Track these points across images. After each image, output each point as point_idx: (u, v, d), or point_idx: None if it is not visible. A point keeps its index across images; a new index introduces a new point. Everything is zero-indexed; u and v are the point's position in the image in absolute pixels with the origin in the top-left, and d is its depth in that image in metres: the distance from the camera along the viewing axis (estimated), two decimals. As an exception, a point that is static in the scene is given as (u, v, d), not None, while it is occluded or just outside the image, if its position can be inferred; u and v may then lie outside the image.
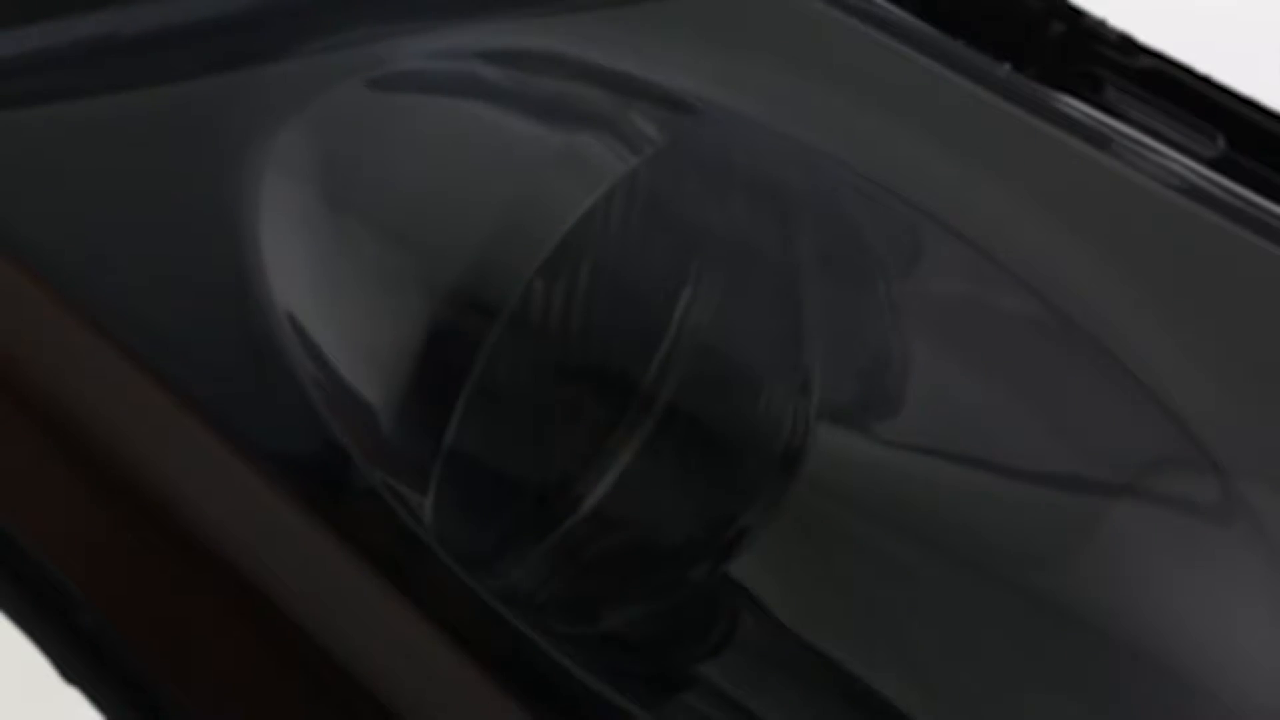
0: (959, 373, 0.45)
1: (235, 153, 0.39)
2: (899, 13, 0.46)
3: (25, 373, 0.34)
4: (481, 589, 0.39)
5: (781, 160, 0.46)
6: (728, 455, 0.48)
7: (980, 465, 0.44)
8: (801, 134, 0.45)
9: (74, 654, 0.34)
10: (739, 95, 0.45)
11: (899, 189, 0.43)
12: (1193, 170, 0.41)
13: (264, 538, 0.35)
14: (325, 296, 0.40)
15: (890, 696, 0.42)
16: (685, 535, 0.47)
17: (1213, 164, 0.41)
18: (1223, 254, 0.41)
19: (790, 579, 0.46)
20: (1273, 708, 0.38)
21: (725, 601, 0.45)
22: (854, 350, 0.47)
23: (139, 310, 0.36)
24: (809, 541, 0.46)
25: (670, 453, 0.47)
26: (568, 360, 0.46)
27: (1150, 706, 0.40)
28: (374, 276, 0.41)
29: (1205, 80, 0.42)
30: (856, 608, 0.45)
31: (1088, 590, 0.41)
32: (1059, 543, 0.42)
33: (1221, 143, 0.41)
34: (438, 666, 0.35)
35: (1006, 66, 0.44)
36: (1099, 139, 0.43)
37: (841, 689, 0.43)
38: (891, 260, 0.45)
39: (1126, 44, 0.43)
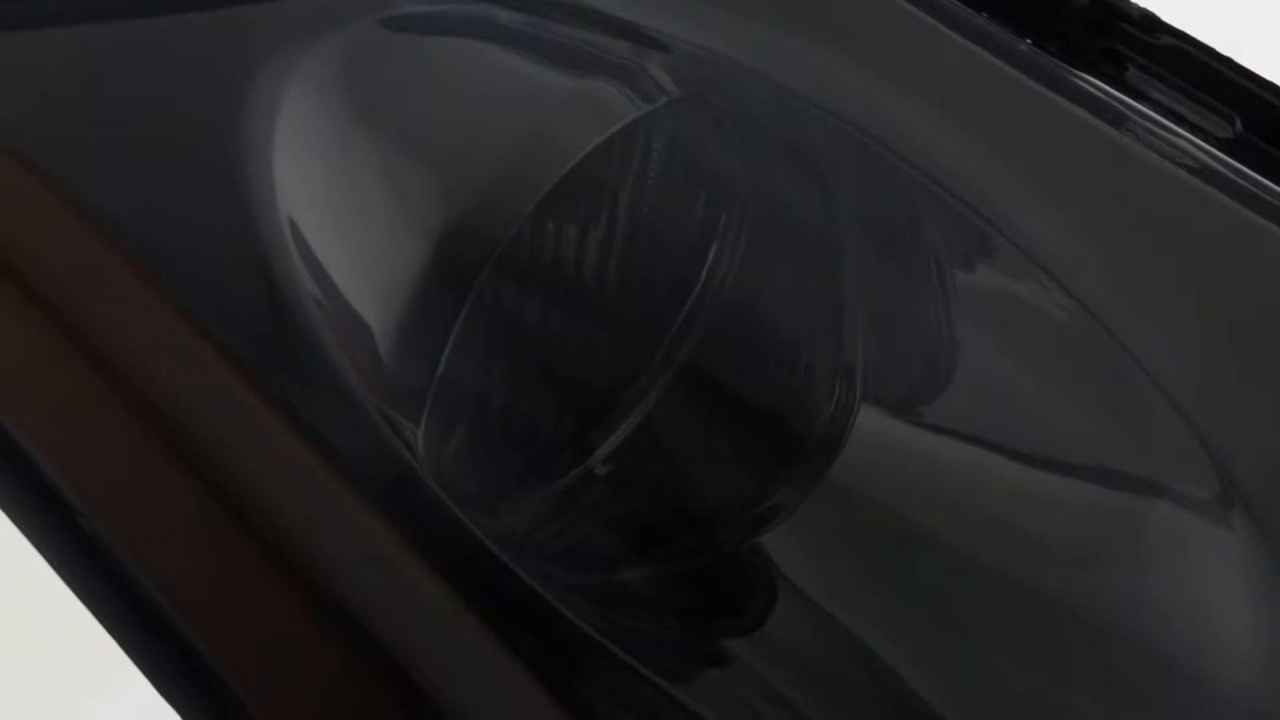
0: (1007, 363, 0.45)
1: (244, 79, 0.40)
2: (922, -17, 0.46)
3: (31, 272, 0.35)
4: (475, 526, 0.39)
5: (812, 126, 0.45)
6: (755, 424, 0.48)
7: (1026, 459, 0.44)
8: (815, 98, 0.45)
9: (76, 559, 0.34)
10: (754, 56, 0.45)
11: (917, 162, 0.43)
12: (1207, 152, 0.41)
13: (255, 453, 0.35)
14: (330, 213, 0.40)
15: (923, 692, 0.42)
16: (707, 500, 0.47)
17: (1227, 146, 0.41)
18: (1232, 236, 0.41)
19: (825, 562, 0.46)
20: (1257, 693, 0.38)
21: (759, 578, 0.46)
22: (904, 335, 0.47)
23: (140, 213, 0.37)
24: (846, 526, 0.46)
25: (691, 411, 0.47)
26: (578, 303, 0.46)
27: (1156, 697, 0.40)
28: (380, 198, 0.42)
29: (1226, 61, 0.41)
30: (892, 597, 0.44)
31: (1117, 585, 0.41)
32: (1096, 537, 0.42)
33: (1239, 125, 0.41)
34: (426, 600, 0.35)
35: (1027, 41, 0.44)
36: (1115, 117, 0.42)
37: (874, 680, 0.43)
38: (940, 241, 0.45)
39: (1149, 21, 0.42)
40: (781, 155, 0.47)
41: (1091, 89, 0.43)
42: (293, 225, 0.39)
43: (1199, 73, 0.42)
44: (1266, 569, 0.39)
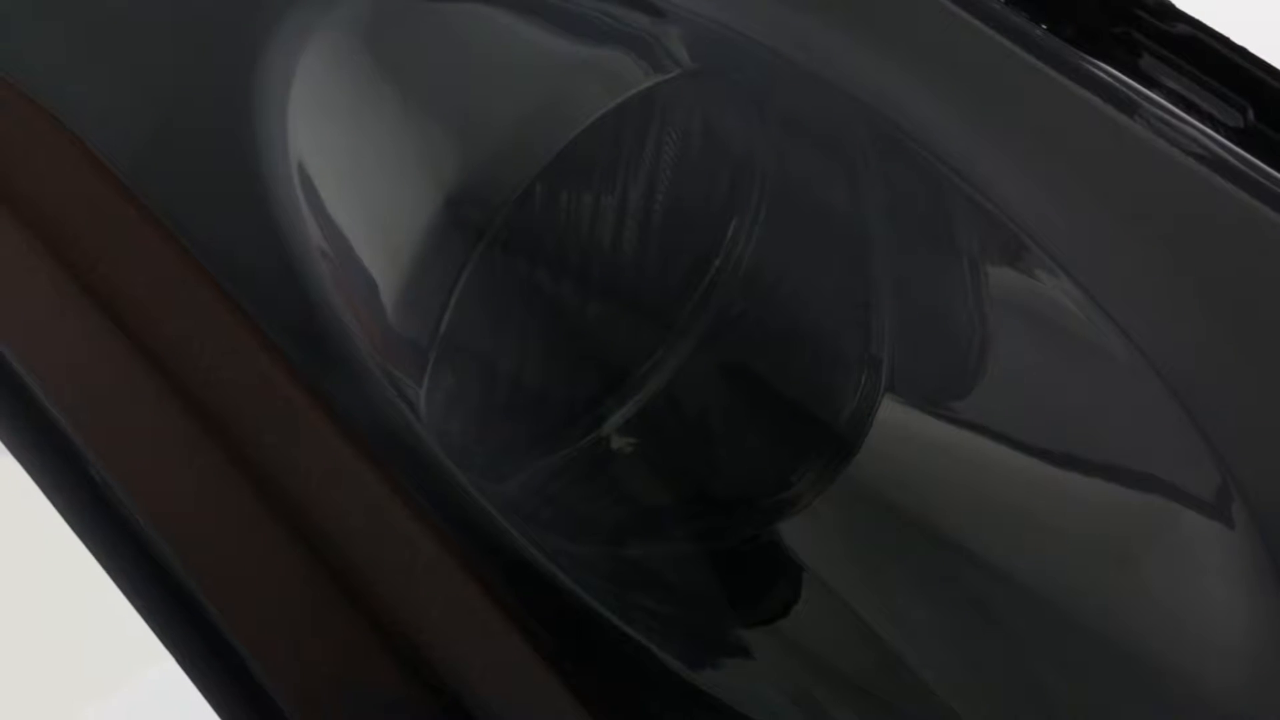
0: (1031, 361, 0.45)
1: (265, 30, 0.40)
2: (939, -35, 0.45)
3: (31, 194, 0.35)
4: (475, 489, 0.39)
5: (836, 110, 0.45)
6: (777, 409, 0.47)
7: (1052, 457, 0.43)
8: (832, 78, 0.44)
9: (83, 506, 0.35)
10: (771, 34, 0.45)
11: (932, 147, 0.43)
12: (1216, 141, 0.41)
13: (256, 399, 0.35)
14: (340, 162, 0.40)
15: (941, 684, 0.42)
16: (725, 484, 0.47)
17: (1238, 135, 0.41)
18: (1238, 225, 0.41)
19: (844, 555, 0.45)
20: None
21: (775, 568, 0.45)
22: (934, 331, 0.46)
23: (145, 150, 0.37)
24: (866, 520, 0.45)
25: (711, 391, 0.47)
26: (592, 271, 0.46)
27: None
28: (391, 153, 0.42)
29: (1240, 51, 0.41)
30: (914, 592, 0.44)
31: (1142, 587, 0.41)
32: (1127, 537, 0.42)
33: (1250, 115, 0.41)
34: (424, 559, 0.35)
35: (1042, 26, 0.44)
36: (1126, 104, 0.42)
37: (893, 674, 0.43)
38: (974, 238, 0.44)
39: (1164, 8, 0.42)
40: (803, 136, 0.47)
41: (1104, 76, 0.43)
42: (302, 170, 0.39)
43: (1212, 61, 0.41)
44: (1262, 565, 0.38)
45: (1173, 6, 0.42)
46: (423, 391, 0.41)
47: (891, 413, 0.45)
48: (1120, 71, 0.43)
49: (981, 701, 0.42)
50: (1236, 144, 0.41)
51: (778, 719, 0.42)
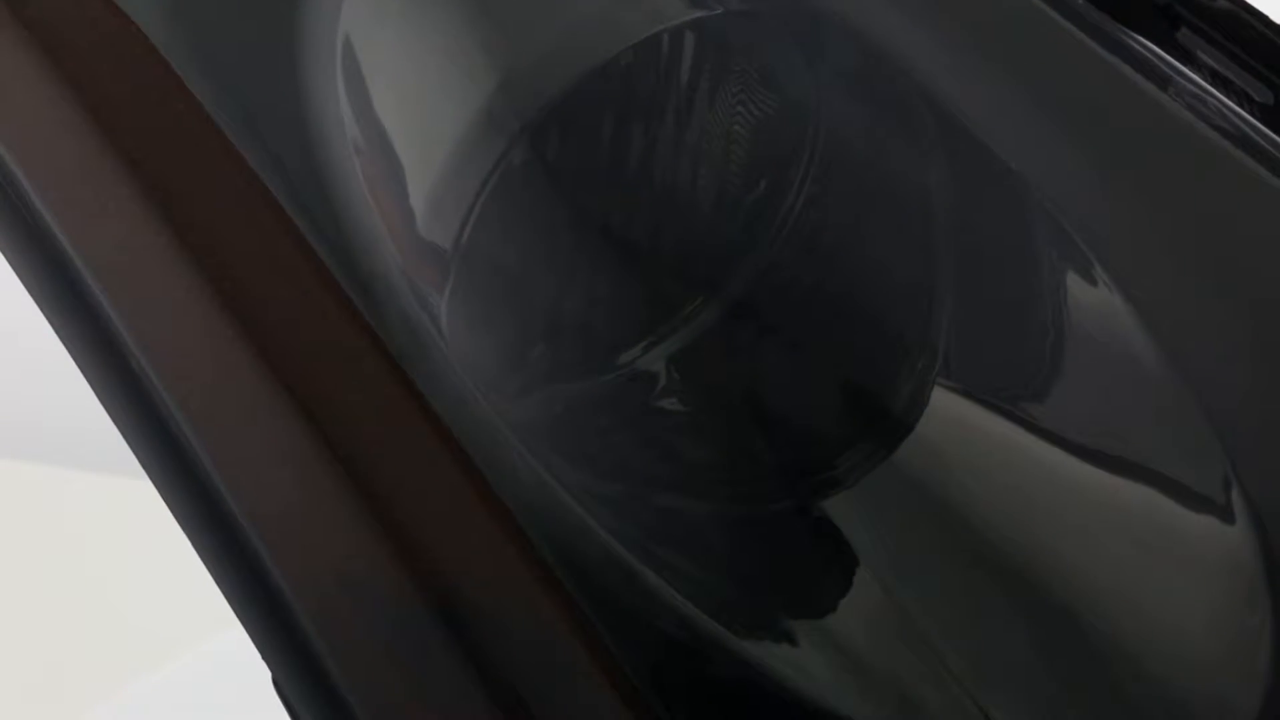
0: (1080, 361, 0.44)
1: None
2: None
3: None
4: (489, 404, 0.39)
5: (892, 72, 0.44)
6: (825, 381, 0.46)
7: (1094, 456, 0.43)
8: (855, 23, 0.44)
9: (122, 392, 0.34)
10: None
11: (965, 115, 0.43)
12: (1245, 120, 0.41)
13: (268, 277, 0.35)
14: (388, 44, 0.39)
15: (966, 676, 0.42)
16: (759, 447, 0.46)
17: (1267, 113, 0.41)
18: (1259, 204, 0.41)
19: (882, 542, 0.44)
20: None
21: (814, 549, 0.44)
22: (994, 321, 0.45)
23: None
24: (909, 507, 0.44)
25: (757, 353, 0.45)
26: (631, 199, 0.45)
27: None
28: (439, 47, 0.41)
29: (1278, 30, 0.42)
30: (950, 586, 0.44)
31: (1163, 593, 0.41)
32: (1145, 533, 0.42)
33: (1282, 94, 0.41)
34: (431, 466, 0.35)
35: (1084, -3, 0.44)
36: (1160, 77, 0.42)
37: (935, 685, 0.43)
38: (1036, 223, 0.43)
39: (1206, -17, 0.42)
40: (860, 94, 0.46)
41: (1140, 48, 0.43)
42: (347, 46, 0.38)
43: (1250, 38, 0.42)
44: (1259, 561, 0.39)
45: (1216, -18, 0.42)
46: (444, 302, 0.41)
47: (945, 401, 0.44)
48: (1156, 44, 0.43)
49: (1009, 695, 0.42)
50: (1265, 123, 0.41)
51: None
